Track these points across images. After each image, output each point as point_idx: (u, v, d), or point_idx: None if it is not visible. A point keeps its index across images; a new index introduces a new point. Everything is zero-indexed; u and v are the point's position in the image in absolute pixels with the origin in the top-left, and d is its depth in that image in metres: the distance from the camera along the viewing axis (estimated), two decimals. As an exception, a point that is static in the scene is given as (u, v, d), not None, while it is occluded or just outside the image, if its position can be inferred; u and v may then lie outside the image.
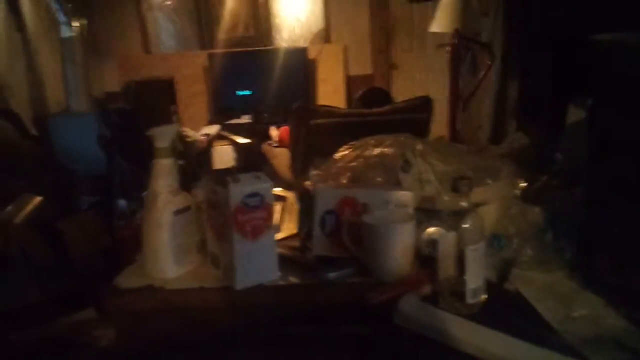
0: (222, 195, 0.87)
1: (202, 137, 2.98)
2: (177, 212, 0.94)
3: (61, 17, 3.03)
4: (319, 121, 2.13)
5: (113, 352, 0.90)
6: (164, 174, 0.94)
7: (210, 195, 0.92)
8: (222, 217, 0.89)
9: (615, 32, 0.77)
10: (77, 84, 3.12)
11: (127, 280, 0.96)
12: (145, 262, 0.97)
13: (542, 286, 0.80)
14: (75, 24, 3.07)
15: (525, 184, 0.94)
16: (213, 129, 3.29)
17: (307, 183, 1.13)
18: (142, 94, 2.36)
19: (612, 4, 0.94)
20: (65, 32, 3.06)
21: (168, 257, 0.94)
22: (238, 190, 0.86)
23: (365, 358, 0.86)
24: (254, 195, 0.88)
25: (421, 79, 3.46)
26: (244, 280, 0.89)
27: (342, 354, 0.87)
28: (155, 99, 2.29)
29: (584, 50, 0.81)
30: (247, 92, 3.64)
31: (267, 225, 0.91)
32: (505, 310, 0.78)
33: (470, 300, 0.78)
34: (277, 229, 1.11)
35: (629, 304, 0.73)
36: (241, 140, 2.74)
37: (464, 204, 0.80)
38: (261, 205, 0.89)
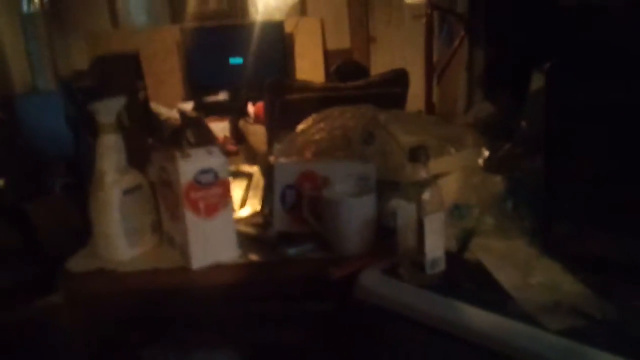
0: (172, 173, 0.84)
1: (176, 115, 2.90)
2: (127, 192, 0.90)
3: (19, -8, 2.90)
4: (294, 96, 2.08)
5: (70, 336, 0.87)
6: (110, 151, 0.89)
7: (161, 173, 0.88)
8: (174, 195, 0.85)
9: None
10: (42, 62, 3.01)
11: (79, 263, 0.92)
12: (97, 245, 0.93)
13: (502, 254, 0.79)
14: (36, -2, 2.94)
15: (488, 153, 0.92)
16: (188, 107, 3.21)
17: (271, 158, 1.10)
18: (107, 70, 2.27)
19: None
20: (26, 8, 2.92)
21: (120, 238, 0.90)
22: (188, 167, 0.83)
23: (327, 333, 0.85)
24: (206, 171, 0.84)
25: (400, 52, 3.40)
26: (199, 259, 0.86)
27: (304, 330, 0.86)
28: (120, 75, 2.20)
29: (547, 15, 0.78)
30: (239, 60, 3.54)
31: (223, 202, 0.88)
32: (465, 280, 0.77)
33: (429, 270, 0.76)
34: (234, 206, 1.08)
35: (586, 270, 0.73)
36: (190, 112, 2.68)
37: (423, 174, 0.77)
38: (215, 181, 0.86)
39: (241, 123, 2.98)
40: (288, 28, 3.59)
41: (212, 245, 0.87)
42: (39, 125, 2.70)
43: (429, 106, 2.43)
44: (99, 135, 0.88)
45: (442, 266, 0.77)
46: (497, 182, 0.85)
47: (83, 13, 3.61)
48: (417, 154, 0.76)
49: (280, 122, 2.09)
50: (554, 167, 0.76)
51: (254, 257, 0.91)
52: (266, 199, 1.05)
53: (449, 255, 0.78)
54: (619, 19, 0.70)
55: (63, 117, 2.61)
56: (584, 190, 0.75)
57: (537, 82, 0.87)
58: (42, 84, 2.98)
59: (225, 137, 2.98)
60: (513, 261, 0.76)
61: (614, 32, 0.70)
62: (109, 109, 0.87)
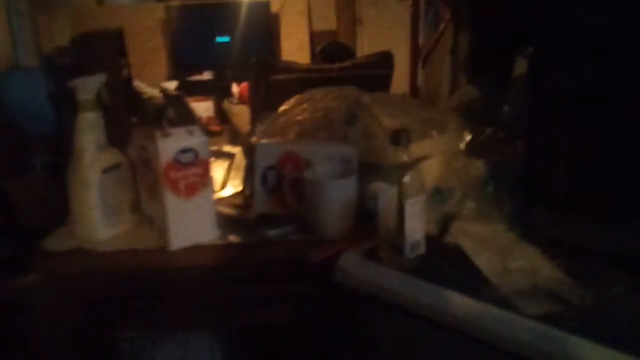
0: (152, 152, 0.82)
1: (159, 94, 2.85)
2: (106, 170, 0.88)
3: (1, -34, 2.80)
4: (279, 77, 2.05)
5: (46, 317, 0.86)
6: (89, 129, 0.87)
7: (141, 152, 0.87)
8: (153, 174, 0.84)
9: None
10: (25, 38, 2.93)
11: (56, 242, 0.90)
12: (74, 224, 0.92)
13: (482, 239, 0.80)
14: (18, -28, 2.84)
15: (470, 137, 0.92)
16: (172, 86, 3.15)
17: (253, 138, 1.09)
18: (89, 47, 2.22)
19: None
20: (9, -18, 2.83)
21: (98, 218, 0.89)
22: (168, 146, 0.81)
23: (306, 316, 0.85)
24: (186, 150, 0.83)
25: (386, 34, 3.38)
26: (178, 240, 0.85)
27: (283, 313, 0.86)
28: (103, 53, 2.15)
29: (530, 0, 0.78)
30: (225, 39, 3.47)
31: (203, 182, 0.86)
32: (444, 264, 0.77)
33: (409, 254, 0.77)
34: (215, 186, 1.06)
35: (565, 255, 0.73)
36: (171, 91, 2.64)
37: (404, 157, 0.77)
38: (195, 161, 0.84)
39: (225, 103, 2.94)
40: (274, 8, 3.53)
41: (191, 226, 0.86)
42: (21, 103, 2.64)
43: (414, 89, 2.42)
44: (79, 113, 0.86)
45: (422, 250, 0.77)
46: (479, 166, 0.85)
47: (68, -12, 3.51)
48: (398, 137, 0.76)
49: (264, 102, 2.06)
50: (535, 152, 0.77)
51: (233, 238, 0.90)
52: (247, 180, 1.04)
53: (429, 239, 0.78)
54: (602, 5, 0.69)
55: (45, 94, 2.55)
56: (565, 176, 0.75)
57: (520, 67, 0.87)
58: (25, 60, 2.90)
59: (209, 117, 2.94)
60: (493, 246, 0.77)
61: (597, 18, 0.70)
62: (88, 86, 0.85)
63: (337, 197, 0.86)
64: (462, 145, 0.91)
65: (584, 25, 0.70)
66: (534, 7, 0.78)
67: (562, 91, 0.72)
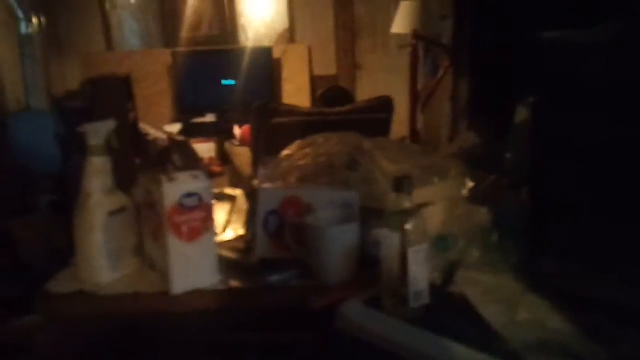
0: (157, 196, 0.83)
1: (164, 136, 2.90)
2: (112, 213, 0.89)
3: (20, 13, 2.92)
4: (280, 120, 2.09)
5: (49, 358, 0.84)
6: (98, 173, 0.88)
7: (146, 196, 0.87)
8: (158, 218, 0.84)
9: (561, 29, 0.76)
10: (37, 82, 3.02)
11: (59, 285, 0.90)
12: (78, 266, 0.91)
13: (488, 289, 0.79)
14: (35, 20, 2.96)
15: (473, 184, 0.92)
16: (176, 128, 3.21)
17: (255, 182, 1.09)
18: (98, 91, 2.28)
19: (559, 3, 0.93)
20: (24, 29, 2.95)
21: (102, 261, 0.89)
22: (173, 190, 0.82)
23: (307, 365, 0.83)
24: (191, 195, 0.83)
25: (385, 79, 3.46)
26: (180, 284, 0.84)
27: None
28: (111, 97, 2.20)
29: (531, 49, 0.80)
30: (231, 82, 3.57)
31: (206, 226, 0.86)
32: (450, 314, 0.75)
33: (413, 303, 0.75)
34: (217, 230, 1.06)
35: (574, 308, 0.72)
36: (176, 136, 2.69)
37: (407, 204, 0.77)
38: (199, 205, 0.85)
39: (227, 145, 2.98)
40: (276, 54, 3.65)
41: (193, 271, 0.85)
42: (30, 143, 2.70)
43: (414, 134, 2.46)
44: (88, 157, 0.87)
45: (426, 299, 0.76)
46: (483, 214, 0.85)
47: (79, 35, 3.66)
48: (401, 184, 0.76)
49: (266, 145, 2.09)
50: (539, 201, 0.77)
51: (234, 283, 0.89)
52: (249, 224, 1.04)
53: (434, 288, 0.77)
54: (602, 55, 0.72)
55: (53, 135, 2.59)
56: (571, 226, 0.74)
57: (521, 114, 0.88)
58: (36, 103, 2.99)
59: (211, 158, 2.98)
60: (499, 296, 0.75)
61: (597, 67, 0.71)
62: (98, 132, 0.86)
63: (338, 242, 0.86)
64: (464, 192, 0.91)
65: (586, 73, 0.72)
66: (533, 55, 0.80)
67: (565, 140, 0.73)
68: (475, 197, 0.91)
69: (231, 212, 1.20)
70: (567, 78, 0.75)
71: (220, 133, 3.13)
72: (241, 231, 1.08)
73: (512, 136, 0.92)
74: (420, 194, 0.87)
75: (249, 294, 0.87)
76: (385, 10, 3.38)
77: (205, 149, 2.97)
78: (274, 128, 2.08)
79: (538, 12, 0.94)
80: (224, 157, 2.98)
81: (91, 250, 0.88)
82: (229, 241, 1.05)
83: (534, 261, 0.80)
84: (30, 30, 2.96)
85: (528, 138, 0.82)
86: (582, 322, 0.69)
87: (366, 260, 0.88)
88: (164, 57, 3.65)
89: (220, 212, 1.21)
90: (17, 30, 2.97)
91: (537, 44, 0.73)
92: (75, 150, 2.43)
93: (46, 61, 3.08)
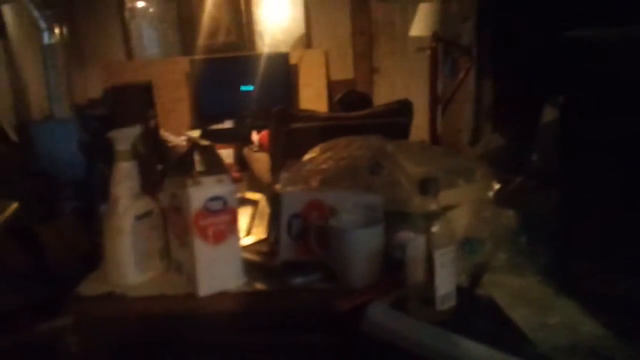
0: (183, 199, 0.84)
1: (183, 142, 2.93)
2: (139, 217, 0.90)
3: (42, 24, 3.00)
4: (299, 125, 2.10)
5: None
6: (125, 178, 0.90)
7: (172, 199, 0.88)
8: (183, 221, 0.85)
9: (588, 28, 0.75)
10: (59, 91, 3.09)
11: (89, 287, 0.91)
12: (106, 269, 0.93)
13: (516, 292, 0.78)
14: (57, 30, 3.03)
15: (499, 186, 0.91)
16: (195, 134, 3.24)
17: (277, 186, 1.10)
18: (120, 99, 2.33)
19: (585, 1, 0.92)
20: (47, 39, 3.03)
21: (130, 263, 0.90)
22: (198, 194, 0.83)
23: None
24: (216, 198, 0.84)
25: (403, 82, 3.46)
26: (206, 286, 0.85)
27: (308, 363, 0.84)
28: (133, 104, 2.25)
29: (557, 48, 0.79)
30: (249, 88, 3.61)
31: (231, 229, 0.87)
32: (477, 317, 0.75)
33: (440, 306, 0.75)
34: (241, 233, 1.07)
35: (605, 311, 0.70)
36: (201, 140, 2.72)
37: (432, 206, 0.76)
38: (224, 209, 0.85)
39: (245, 151, 3.00)
40: (293, 59, 3.67)
41: (219, 273, 0.86)
42: (53, 151, 2.77)
43: (434, 137, 2.45)
44: (115, 162, 0.89)
45: (452, 301, 0.75)
46: (510, 216, 0.84)
47: (100, 45, 3.74)
48: (427, 186, 0.76)
49: (284, 150, 2.10)
50: (570, 203, 0.75)
51: (259, 285, 0.90)
52: (272, 227, 1.04)
53: (460, 291, 0.76)
54: (629, 53, 0.70)
55: (76, 143, 2.65)
56: (602, 228, 0.73)
57: (548, 115, 0.87)
58: (58, 111, 3.06)
59: (229, 164, 3.00)
60: (528, 299, 0.75)
61: (624, 65, 0.70)
62: (125, 137, 0.88)
63: (363, 245, 0.86)
64: (490, 195, 0.90)
65: (614, 73, 0.70)
66: (559, 55, 0.79)
67: (595, 140, 0.71)
68: (501, 199, 0.90)
69: (253, 216, 1.20)
70: (600, 77, 0.74)
71: (238, 139, 3.16)
72: (264, 234, 1.08)
73: (539, 137, 0.91)
74: (445, 196, 0.86)
75: (274, 297, 0.87)
76: (402, 13, 3.38)
77: (223, 154, 2.99)
78: (292, 133, 2.09)
79: (565, 11, 0.92)
80: (242, 162, 3.01)
81: (119, 253, 0.90)
82: (252, 244, 1.06)
83: (564, 263, 0.78)
84: (52, 40, 3.04)
85: (557, 138, 0.81)
86: (614, 325, 0.68)
87: (390, 263, 0.87)
88: (182, 64, 3.71)
89: (243, 216, 1.21)
90: (40, 41, 3.04)
91: (568, 42, 0.71)
92: (97, 157, 2.49)
93: (68, 70, 3.15)
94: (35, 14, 2.98)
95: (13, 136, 2.73)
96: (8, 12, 2.98)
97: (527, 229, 0.83)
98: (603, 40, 0.72)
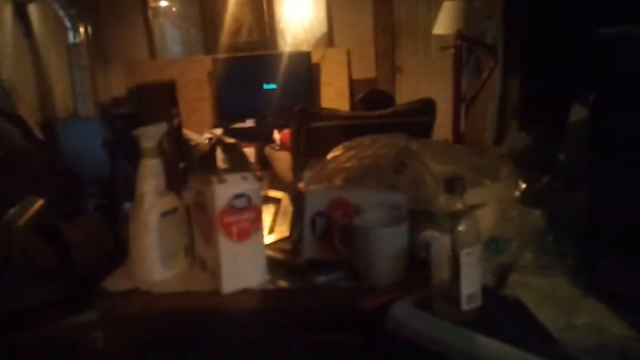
0: (208, 197, 0.84)
1: (205, 140, 2.97)
2: (164, 214, 0.92)
3: (67, 23, 3.06)
4: (320, 124, 2.10)
5: (103, 355, 0.88)
6: (151, 175, 0.91)
7: (197, 197, 0.89)
8: (208, 218, 0.86)
9: (619, 25, 0.73)
10: (84, 89, 3.16)
11: (115, 283, 0.93)
12: (132, 265, 0.94)
13: (543, 292, 0.76)
14: (81, 29, 3.10)
15: (525, 185, 0.90)
16: (217, 132, 3.28)
17: (300, 184, 1.10)
18: (144, 97, 2.36)
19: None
20: (72, 38, 3.09)
21: (155, 260, 0.91)
22: (224, 192, 0.84)
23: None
24: (240, 196, 0.85)
25: (426, 81, 3.43)
26: (230, 283, 0.86)
27: (332, 361, 0.84)
28: (156, 103, 2.28)
29: (587, 45, 0.77)
30: (272, 86, 3.63)
31: (255, 227, 0.88)
32: (503, 318, 0.74)
33: (465, 306, 0.74)
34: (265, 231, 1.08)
35: (634, 312, 0.69)
36: (226, 139, 2.74)
37: (458, 205, 0.76)
38: (248, 206, 0.86)
39: (267, 149, 3.02)
40: (315, 58, 3.67)
41: (242, 270, 0.87)
42: (77, 149, 2.82)
43: (457, 136, 2.42)
44: (141, 160, 0.91)
45: (478, 302, 0.74)
46: (536, 216, 0.83)
47: (123, 44, 3.80)
48: (453, 185, 0.75)
49: (306, 149, 2.10)
50: (598, 202, 0.74)
51: (282, 283, 0.90)
52: (295, 225, 1.04)
53: (486, 291, 0.75)
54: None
55: (100, 141, 2.70)
56: (631, 227, 0.71)
57: (576, 114, 0.85)
58: (83, 110, 3.12)
59: (251, 162, 3.02)
60: (554, 300, 0.73)
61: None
62: (151, 135, 0.90)
63: (387, 244, 0.85)
64: (516, 194, 0.89)
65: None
66: (589, 53, 0.77)
67: (625, 139, 0.70)
68: (528, 199, 0.88)
69: (276, 214, 1.21)
70: (628, 73, 0.72)
71: (259, 138, 3.17)
72: (286, 233, 1.09)
73: (567, 136, 0.89)
74: (470, 195, 0.85)
75: (297, 294, 0.88)
76: (425, 11, 3.35)
77: (245, 153, 3.02)
78: (314, 132, 2.09)
79: (596, 8, 0.90)
80: (263, 161, 3.02)
81: (145, 250, 0.91)
82: (276, 242, 1.06)
83: (592, 264, 0.77)
84: (77, 39, 3.10)
85: (585, 137, 0.79)
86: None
87: (414, 262, 0.87)
88: (205, 63, 3.75)
89: (265, 214, 1.22)
90: (65, 40, 3.11)
91: (600, 40, 0.70)
92: (121, 155, 2.53)
93: (92, 69, 3.21)
94: (61, 13, 3.05)
95: (38, 134, 2.79)
96: (33, 11, 3.05)
97: (554, 229, 0.81)
98: (635, 37, 0.71)
